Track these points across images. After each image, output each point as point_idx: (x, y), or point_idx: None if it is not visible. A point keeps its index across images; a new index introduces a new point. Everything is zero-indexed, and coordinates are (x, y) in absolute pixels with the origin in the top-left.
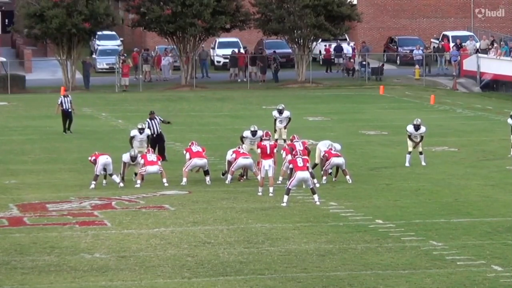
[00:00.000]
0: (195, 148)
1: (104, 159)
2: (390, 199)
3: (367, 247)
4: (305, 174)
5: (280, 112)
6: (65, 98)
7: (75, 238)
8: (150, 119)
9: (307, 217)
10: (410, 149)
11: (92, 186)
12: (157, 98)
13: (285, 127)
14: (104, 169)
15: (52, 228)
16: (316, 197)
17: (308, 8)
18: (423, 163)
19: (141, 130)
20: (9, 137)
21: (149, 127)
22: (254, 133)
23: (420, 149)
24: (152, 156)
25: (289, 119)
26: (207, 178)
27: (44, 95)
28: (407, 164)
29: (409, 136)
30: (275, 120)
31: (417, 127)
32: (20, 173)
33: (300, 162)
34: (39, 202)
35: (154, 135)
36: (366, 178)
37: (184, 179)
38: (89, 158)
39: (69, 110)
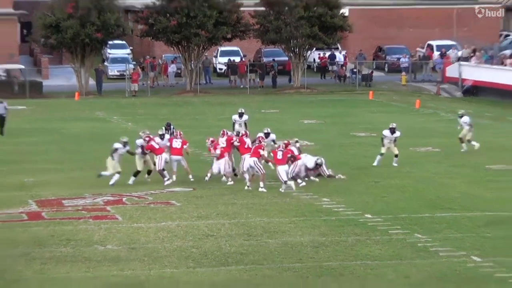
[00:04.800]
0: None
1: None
2: (378, 195)
3: (357, 239)
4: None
5: (240, 115)
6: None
7: (89, 231)
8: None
9: (302, 212)
10: (383, 151)
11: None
12: (164, 102)
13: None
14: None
15: (68, 222)
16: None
17: (303, 19)
18: (395, 164)
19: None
20: (28, 139)
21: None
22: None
23: (396, 151)
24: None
25: (245, 123)
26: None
27: (60, 100)
28: (375, 163)
29: (383, 139)
30: (234, 123)
31: (392, 131)
32: (38, 171)
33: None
34: (55, 198)
35: None
36: (356, 176)
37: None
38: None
39: (3, 114)
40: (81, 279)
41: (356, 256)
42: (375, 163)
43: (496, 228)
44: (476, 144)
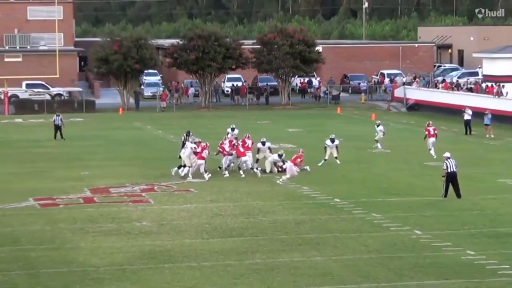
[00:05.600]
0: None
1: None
2: (344, 185)
3: (329, 217)
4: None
5: (232, 129)
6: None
7: (129, 212)
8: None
9: (288, 197)
10: (326, 157)
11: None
12: (185, 116)
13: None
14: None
15: (114, 205)
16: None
17: (288, 54)
18: (338, 162)
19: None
20: (84, 143)
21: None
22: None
23: (336, 154)
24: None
25: (236, 138)
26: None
27: (108, 114)
28: (320, 164)
29: (326, 147)
30: (228, 133)
31: (332, 140)
32: (91, 167)
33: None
34: (104, 187)
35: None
36: (328, 171)
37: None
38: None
39: (59, 124)
40: (123, 247)
41: (328, 230)
42: (319, 164)
43: (432, 209)
44: (379, 146)
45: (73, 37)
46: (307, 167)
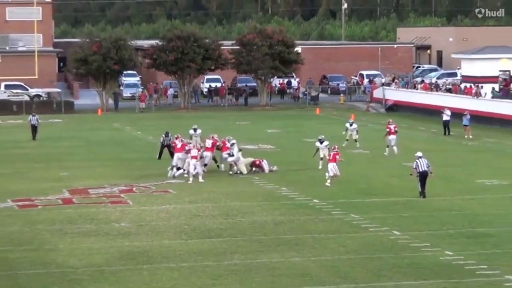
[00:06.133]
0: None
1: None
2: (323, 186)
3: (308, 218)
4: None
5: (195, 130)
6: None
7: (108, 213)
8: (165, 135)
9: (266, 198)
10: (321, 155)
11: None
12: (164, 116)
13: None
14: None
15: (92, 206)
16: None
17: (268, 55)
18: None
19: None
20: (63, 143)
21: (163, 141)
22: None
23: (323, 154)
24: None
25: (200, 136)
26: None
27: (86, 115)
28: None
29: (317, 149)
30: (192, 136)
31: (321, 141)
32: (70, 168)
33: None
34: (83, 188)
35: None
36: (307, 172)
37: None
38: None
39: (36, 124)
40: (101, 248)
41: (307, 231)
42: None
43: (411, 209)
44: (346, 142)
45: (52, 38)
46: (275, 167)
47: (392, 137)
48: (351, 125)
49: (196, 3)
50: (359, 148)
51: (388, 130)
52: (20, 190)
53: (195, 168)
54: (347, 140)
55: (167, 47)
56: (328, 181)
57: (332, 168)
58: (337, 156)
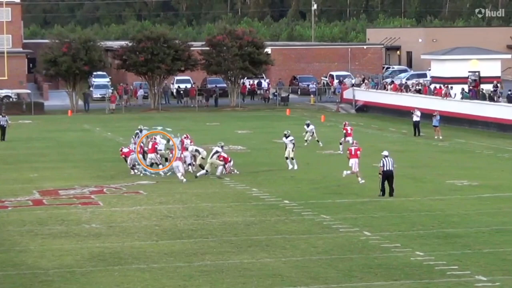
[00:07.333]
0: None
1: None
2: (293, 186)
3: (278, 219)
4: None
5: (141, 131)
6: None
7: (78, 214)
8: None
9: (237, 199)
10: (286, 155)
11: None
12: (134, 117)
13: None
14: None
15: (63, 207)
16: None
17: (237, 56)
18: (290, 167)
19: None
20: (33, 144)
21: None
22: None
23: (292, 155)
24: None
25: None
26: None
27: (56, 116)
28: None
29: (285, 145)
30: (136, 134)
31: (286, 136)
32: (40, 169)
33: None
34: (53, 189)
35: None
36: (277, 172)
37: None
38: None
39: (4, 125)
40: (72, 250)
41: (277, 232)
42: (294, 168)
43: (381, 210)
44: (306, 143)
45: (21, 38)
46: (236, 171)
47: (349, 139)
48: (308, 126)
49: (165, 4)
50: (330, 149)
51: (344, 131)
52: None
53: (179, 171)
54: (306, 141)
55: (137, 48)
56: (359, 178)
57: (355, 163)
58: (358, 152)
